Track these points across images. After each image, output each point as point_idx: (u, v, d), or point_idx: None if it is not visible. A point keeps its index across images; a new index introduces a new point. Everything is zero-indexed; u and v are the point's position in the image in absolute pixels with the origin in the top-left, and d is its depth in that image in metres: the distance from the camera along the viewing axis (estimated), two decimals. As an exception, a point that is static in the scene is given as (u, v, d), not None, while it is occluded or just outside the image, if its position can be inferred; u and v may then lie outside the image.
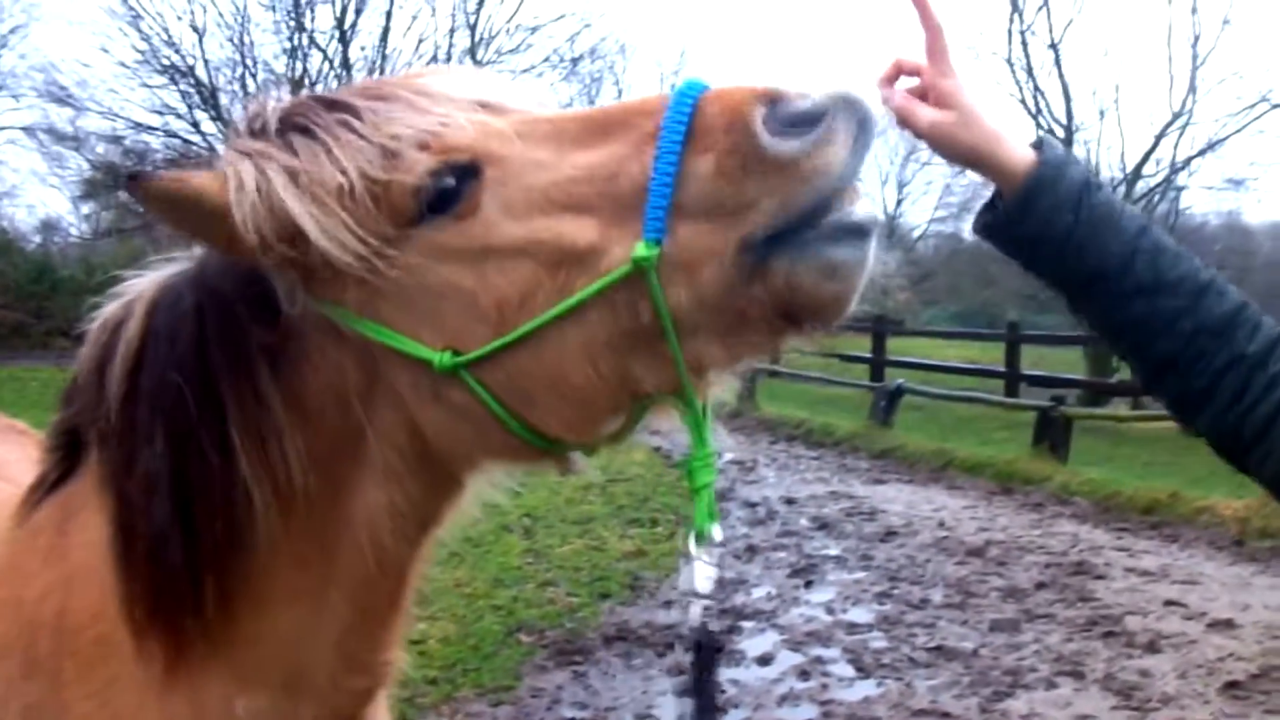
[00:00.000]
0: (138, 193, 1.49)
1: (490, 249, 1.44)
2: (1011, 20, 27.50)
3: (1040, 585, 8.31)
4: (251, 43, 27.40)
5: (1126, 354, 1.75)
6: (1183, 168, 28.03)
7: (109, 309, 1.72)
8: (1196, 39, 26.76)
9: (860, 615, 7.66)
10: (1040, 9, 27.13)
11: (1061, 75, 27.65)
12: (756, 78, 1.39)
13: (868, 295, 1.40)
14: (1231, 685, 6.15)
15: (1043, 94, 27.80)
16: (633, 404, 1.48)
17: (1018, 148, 1.70)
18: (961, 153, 1.72)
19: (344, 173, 1.45)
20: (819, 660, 6.73)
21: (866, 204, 1.38)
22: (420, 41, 28.48)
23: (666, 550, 9.43)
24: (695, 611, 1.50)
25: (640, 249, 1.34)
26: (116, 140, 28.24)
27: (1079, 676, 6.36)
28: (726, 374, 1.50)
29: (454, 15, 28.74)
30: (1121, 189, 24.86)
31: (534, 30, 28.70)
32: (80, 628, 1.66)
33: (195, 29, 26.75)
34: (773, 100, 1.34)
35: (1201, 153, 27.62)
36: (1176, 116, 27.19)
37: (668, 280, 1.35)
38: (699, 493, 1.50)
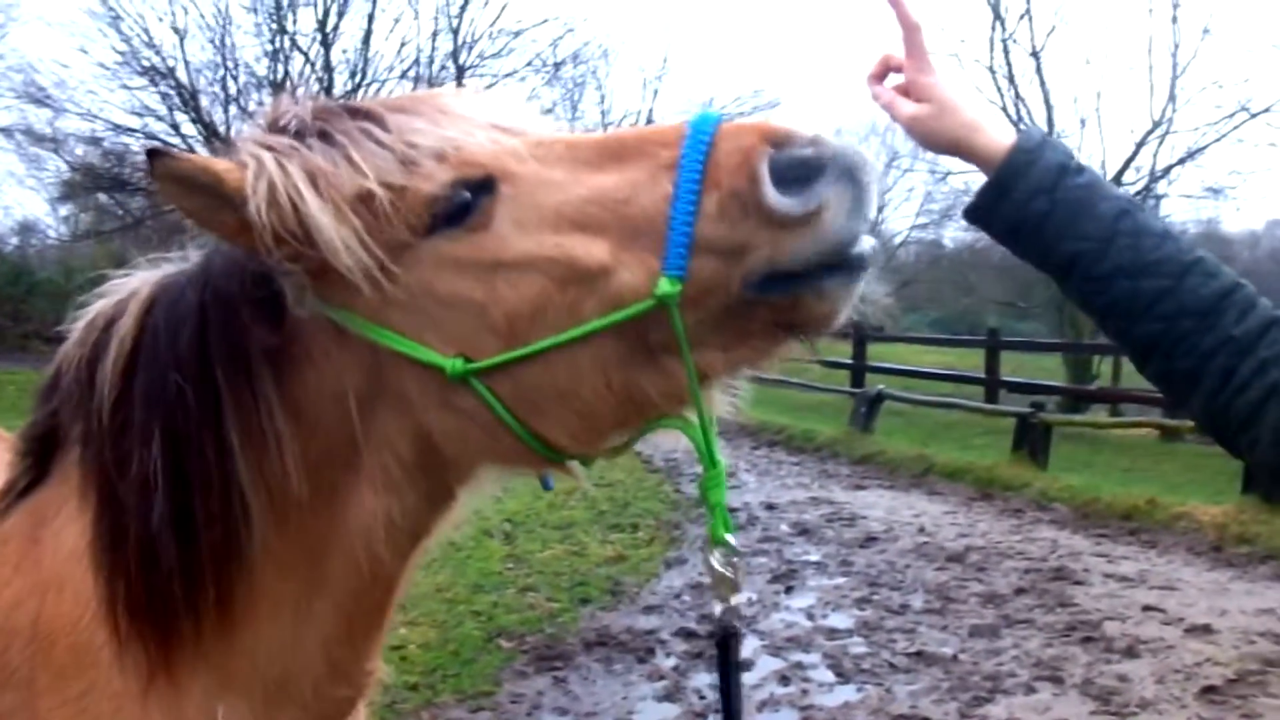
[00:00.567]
0: (156, 170, 1.49)
1: (501, 262, 1.46)
2: (994, 28, 27.87)
3: (1019, 591, 8.32)
4: (233, 45, 27.33)
5: (1114, 337, 1.74)
6: (1163, 176, 28.35)
7: (99, 305, 1.69)
8: (1177, 48, 27.20)
9: (840, 621, 7.65)
10: (1022, 17, 27.50)
11: (1043, 83, 28.01)
12: (769, 116, 1.42)
13: (856, 309, 1.46)
14: (1208, 690, 6.18)
15: (1024, 102, 28.14)
16: (640, 422, 1.52)
17: (997, 135, 1.72)
18: (942, 143, 1.77)
19: (363, 178, 1.46)
20: (799, 666, 6.72)
21: (866, 241, 1.41)
22: (402, 45, 28.48)
23: (647, 555, 9.43)
24: (719, 609, 1.57)
25: (664, 285, 1.37)
26: (95, 142, 27.95)
27: (1058, 681, 6.38)
28: (727, 384, 1.55)
29: (436, 19, 28.91)
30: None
31: (517, 35, 28.66)
32: (55, 636, 1.64)
33: (176, 30, 26.62)
34: (780, 143, 1.37)
35: (1181, 161, 27.98)
36: (1157, 125, 27.54)
37: (680, 308, 1.39)
38: (714, 509, 1.55)
